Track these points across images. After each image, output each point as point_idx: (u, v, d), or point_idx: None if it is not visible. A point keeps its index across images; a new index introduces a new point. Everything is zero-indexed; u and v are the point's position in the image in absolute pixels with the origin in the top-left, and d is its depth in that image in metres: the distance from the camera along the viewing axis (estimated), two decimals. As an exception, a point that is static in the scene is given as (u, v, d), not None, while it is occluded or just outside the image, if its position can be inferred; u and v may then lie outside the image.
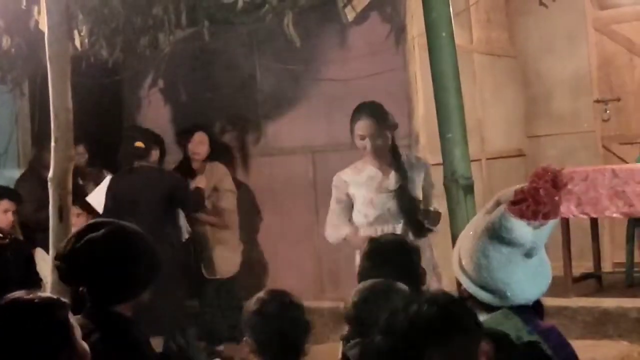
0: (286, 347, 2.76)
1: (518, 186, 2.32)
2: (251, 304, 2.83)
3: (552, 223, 2.29)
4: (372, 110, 4.29)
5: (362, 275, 3.03)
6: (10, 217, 5.34)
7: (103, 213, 5.72)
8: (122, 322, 2.51)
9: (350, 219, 4.32)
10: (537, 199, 2.23)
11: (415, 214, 4.16)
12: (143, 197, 5.67)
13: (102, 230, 2.53)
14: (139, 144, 5.75)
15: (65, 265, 2.54)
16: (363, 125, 4.25)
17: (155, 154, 5.98)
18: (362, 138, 4.25)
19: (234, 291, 6.14)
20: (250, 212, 6.62)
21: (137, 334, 2.55)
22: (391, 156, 4.29)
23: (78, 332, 2.03)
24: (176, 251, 5.73)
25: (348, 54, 6.27)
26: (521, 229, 2.25)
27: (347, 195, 4.31)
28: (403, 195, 4.19)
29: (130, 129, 6.06)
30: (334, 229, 4.38)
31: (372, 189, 4.23)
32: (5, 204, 5.35)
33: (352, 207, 4.31)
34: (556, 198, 2.25)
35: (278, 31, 5.94)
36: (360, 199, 4.26)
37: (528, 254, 2.32)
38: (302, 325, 2.81)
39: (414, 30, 5.93)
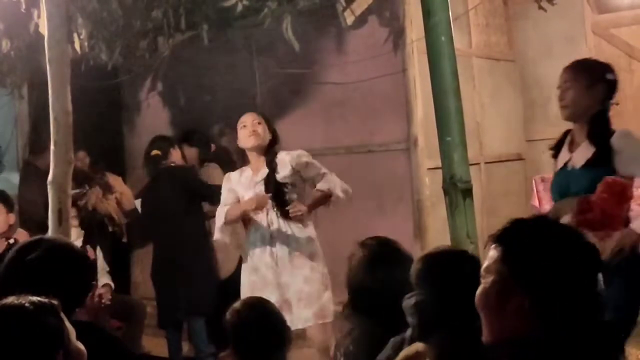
0: (265, 356, 2.74)
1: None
2: (227, 314, 2.81)
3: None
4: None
5: (373, 284, 2.95)
6: (5, 219, 5.27)
7: (140, 219, 6.29)
8: (87, 329, 2.52)
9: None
10: (604, 210, 2.19)
11: (281, 196, 4.81)
12: (164, 198, 5.88)
13: (39, 250, 2.58)
14: (155, 152, 5.97)
15: (8, 287, 2.54)
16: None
17: (175, 154, 6.06)
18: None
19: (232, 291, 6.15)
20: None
21: (105, 335, 2.59)
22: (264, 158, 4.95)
23: (72, 332, 2.01)
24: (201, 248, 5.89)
25: (347, 58, 6.27)
26: None
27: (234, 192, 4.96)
28: (268, 182, 4.85)
29: (151, 141, 6.18)
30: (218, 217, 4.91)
31: (247, 187, 4.91)
32: None
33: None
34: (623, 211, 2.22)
35: (277, 35, 5.94)
36: (241, 195, 4.93)
37: None
38: (279, 333, 2.79)
39: (412, 34, 5.92)
